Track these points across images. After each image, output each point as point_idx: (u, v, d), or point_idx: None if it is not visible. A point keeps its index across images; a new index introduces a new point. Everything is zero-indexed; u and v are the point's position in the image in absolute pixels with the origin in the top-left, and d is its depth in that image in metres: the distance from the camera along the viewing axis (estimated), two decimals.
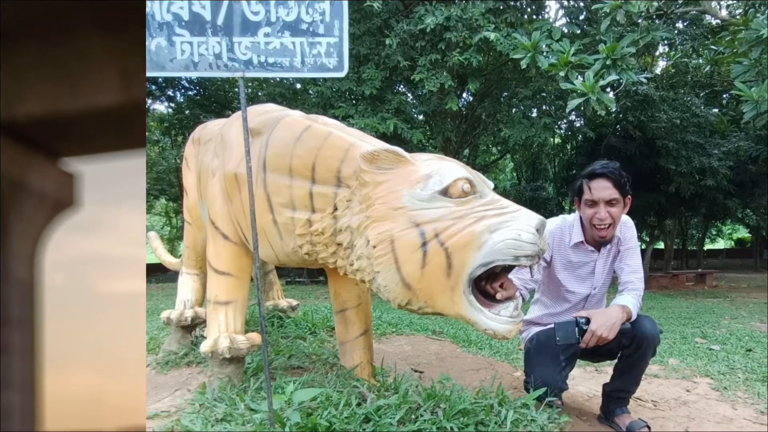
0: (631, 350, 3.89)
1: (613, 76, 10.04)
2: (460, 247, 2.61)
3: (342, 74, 2.86)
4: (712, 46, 17.02)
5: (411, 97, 19.54)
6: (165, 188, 30.43)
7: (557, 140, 30.13)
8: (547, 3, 19.89)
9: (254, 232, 2.84)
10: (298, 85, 19.69)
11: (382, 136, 12.70)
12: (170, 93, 26.60)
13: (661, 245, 39.30)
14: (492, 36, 14.06)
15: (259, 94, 21.03)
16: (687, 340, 8.73)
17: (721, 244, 62.25)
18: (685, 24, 19.65)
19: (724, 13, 16.13)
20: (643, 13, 10.34)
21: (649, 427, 4.04)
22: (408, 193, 2.74)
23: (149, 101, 26.53)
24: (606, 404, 4.31)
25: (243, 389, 3.51)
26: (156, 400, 3.91)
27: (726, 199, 26.00)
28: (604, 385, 4.33)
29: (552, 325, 3.72)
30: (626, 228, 4.11)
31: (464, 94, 21.61)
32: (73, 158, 2.37)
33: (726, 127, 23.71)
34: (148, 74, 2.79)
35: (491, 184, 2.98)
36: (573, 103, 9.93)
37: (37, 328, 1.92)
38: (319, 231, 3.07)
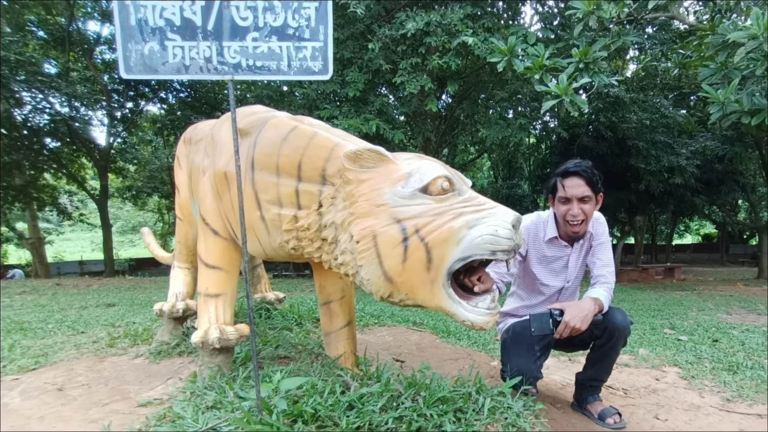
0: (602, 341, 3.92)
1: (586, 79, 10.08)
2: (439, 242, 2.62)
3: (326, 77, 2.87)
4: (680, 50, 17.11)
5: (392, 98, 19.57)
6: (157, 186, 30.62)
7: (532, 140, 30.35)
8: (522, 9, 19.92)
9: (243, 227, 2.85)
10: (285, 88, 19.70)
11: (365, 136, 12.70)
12: (162, 95, 26.80)
13: (631, 240, 39.58)
14: (470, 40, 14.11)
15: (248, 96, 21.09)
16: (656, 331, 8.79)
17: (688, 239, 62.77)
18: (654, 29, 19.75)
19: (691, 18, 16.23)
20: (614, 19, 10.38)
21: (620, 414, 4.08)
22: (390, 191, 2.75)
23: (143, 103, 26.54)
24: (579, 392, 4.34)
25: (232, 378, 3.51)
26: (149, 388, 3.90)
27: (693, 197, 26.29)
28: (577, 374, 4.36)
29: (527, 317, 3.75)
30: (598, 224, 4.14)
31: (443, 96, 21.69)
32: None
33: (693, 127, 23.87)
34: (142, 77, 2.80)
35: (469, 182, 3.00)
36: (547, 104, 9.96)
37: None
38: (305, 227, 3.07)
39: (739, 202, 39.00)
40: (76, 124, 24.36)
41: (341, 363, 4.00)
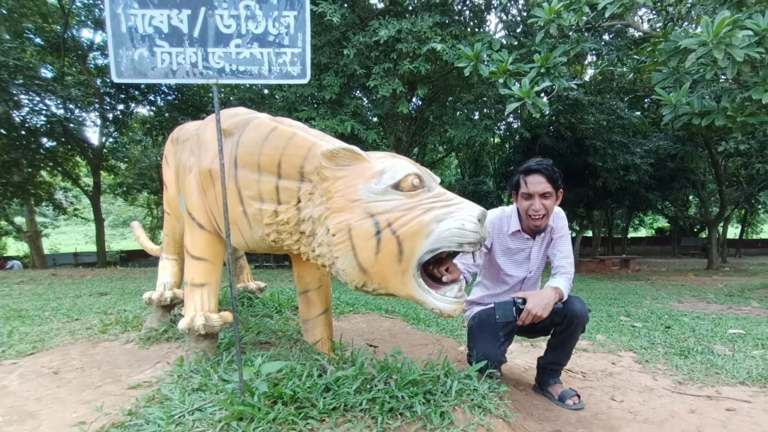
0: (562, 327, 3.97)
1: (547, 83, 10.16)
2: (410, 235, 2.64)
3: (305, 81, 2.87)
4: (635, 56, 17.34)
5: (366, 101, 19.55)
6: (147, 183, 31.10)
7: (497, 140, 30.42)
8: (487, 17, 19.98)
9: (226, 221, 2.85)
10: (266, 91, 19.66)
11: (341, 136, 12.73)
12: (151, 98, 26.89)
13: (589, 233, 39.88)
14: (438, 47, 14.17)
15: (231, 98, 21.04)
16: (613, 318, 8.87)
17: (643, 232, 63.24)
18: (611, 36, 19.89)
19: (645, 26, 16.39)
20: (573, 27, 10.46)
21: (578, 396, 4.13)
22: (364, 187, 2.77)
23: (133, 105, 26.73)
24: (540, 375, 4.39)
25: (216, 362, 3.51)
26: (139, 371, 3.90)
27: (647, 193, 26.55)
28: (539, 359, 4.41)
29: (492, 305, 3.77)
30: (558, 218, 4.17)
31: (414, 99, 21.66)
32: None
33: (647, 128, 24.11)
34: (133, 81, 2.80)
35: (438, 179, 3.01)
36: (511, 106, 10.04)
37: None
38: (285, 221, 3.08)
39: (690, 197, 39.41)
40: (71, 125, 24.49)
41: (318, 348, 4.01)
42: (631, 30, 17.97)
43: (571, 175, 21.74)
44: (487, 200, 29.32)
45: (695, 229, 52.21)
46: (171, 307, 5.08)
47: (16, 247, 44.42)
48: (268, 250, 3.53)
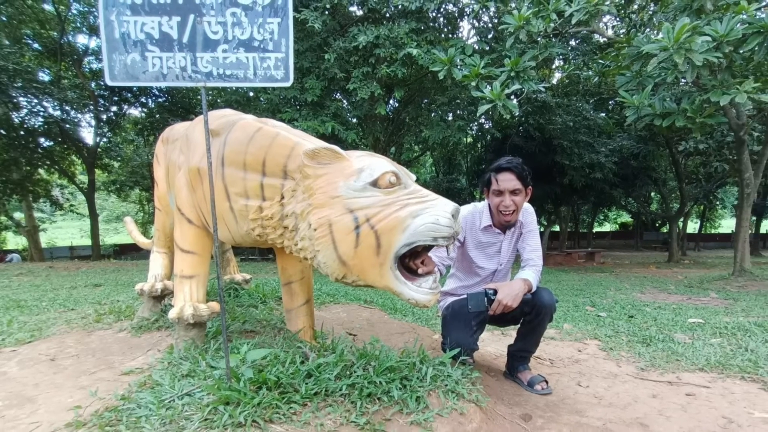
0: (531, 317, 3.99)
1: (517, 86, 10.22)
2: (387, 229, 2.66)
3: (288, 84, 2.88)
4: (600, 61, 17.43)
5: (346, 103, 19.54)
6: (139, 180, 31.52)
7: (469, 140, 30.44)
8: (460, 24, 20.00)
9: (214, 217, 2.85)
10: (251, 94, 19.69)
11: (322, 136, 12.73)
12: (143, 100, 27.07)
13: (557, 228, 40.09)
14: (414, 52, 14.22)
15: (218, 100, 21.07)
16: (579, 308, 8.93)
17: (607, 227, 63.60)
18: (577, 42, 20.02)
19: (610, 32, 16.49)
20: (541, 33, 10.53)
21: (546, 382, 4.17)
22: (344, 184, 2.78)
23: (125, 106, 27.08)
24: (510, 362, 4.42)
25: (204, 350, 3.51)
26: (131, 358, 3.89)
27: (612, 190, 26.81)
28: (509, 346, 4.43)
29: (465, 296, 3.80)
30: (527, 214, 4.19)
31: (391, 101, 21.65)
32: None
33: (612, 128, 24.28)
34: (125, 84, 2.80)
35: (413, 177, 3.03)
36: (482, 108, 10.09)
37: None
38: (269, 216, 3.08)
39: (652, 194, 39.66)
40: (67, 126, 24.82)
41: (301, 336, 4.02)
42: (596, 36, 18.09)
43: (539, 173, 21.86)
44: (460, 197, 29.43)
45: (657, 224, 52.66)
46: (161, 297, 5.08)
47: (15, 241, 44.54)
48: (254, 244, 3.53)
